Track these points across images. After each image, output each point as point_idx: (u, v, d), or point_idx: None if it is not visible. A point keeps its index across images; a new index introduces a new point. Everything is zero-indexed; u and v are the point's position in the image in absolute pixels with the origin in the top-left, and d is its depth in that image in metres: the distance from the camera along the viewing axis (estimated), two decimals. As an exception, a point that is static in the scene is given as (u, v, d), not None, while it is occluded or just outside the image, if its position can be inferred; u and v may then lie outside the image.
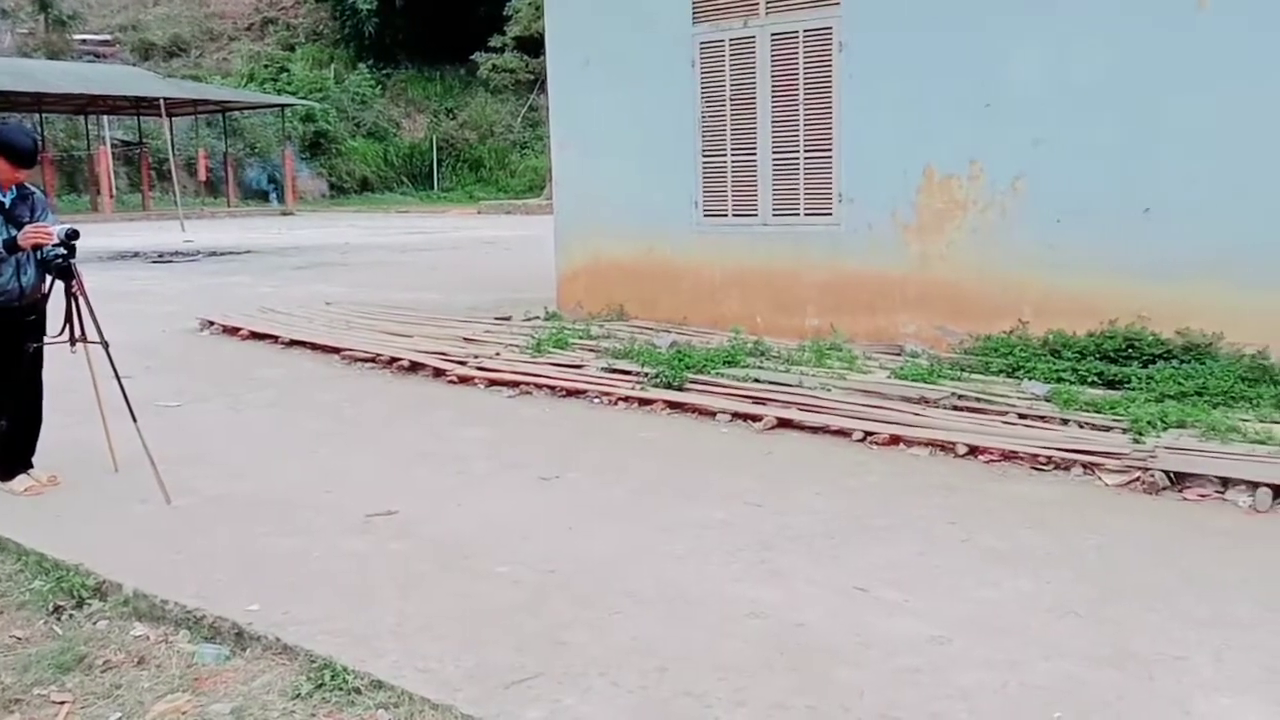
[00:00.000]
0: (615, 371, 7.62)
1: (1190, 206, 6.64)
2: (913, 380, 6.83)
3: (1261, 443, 5.33)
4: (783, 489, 5.25)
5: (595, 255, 9.84)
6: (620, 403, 7.14)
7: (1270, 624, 3.62)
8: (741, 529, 4.68)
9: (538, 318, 10.12)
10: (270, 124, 39.60)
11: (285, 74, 41.46)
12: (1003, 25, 7.28)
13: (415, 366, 8.32)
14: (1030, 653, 3.46)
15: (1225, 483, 4.99)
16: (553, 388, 7.52)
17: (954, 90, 7.50)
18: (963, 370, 7.07)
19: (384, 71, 43.66)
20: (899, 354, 7.71)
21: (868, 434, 6.03)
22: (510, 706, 3.17)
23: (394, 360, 8.46)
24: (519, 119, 42.08)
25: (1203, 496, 4.97)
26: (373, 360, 8.61)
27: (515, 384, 7.66)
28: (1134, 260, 6.84)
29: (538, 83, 35.71)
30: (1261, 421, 5.66)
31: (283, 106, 37.88)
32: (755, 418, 6.48)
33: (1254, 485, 4.89)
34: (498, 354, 8.38)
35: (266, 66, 42.23)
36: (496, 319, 10.14)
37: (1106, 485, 5.18)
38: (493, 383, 7.75)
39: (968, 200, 7.54)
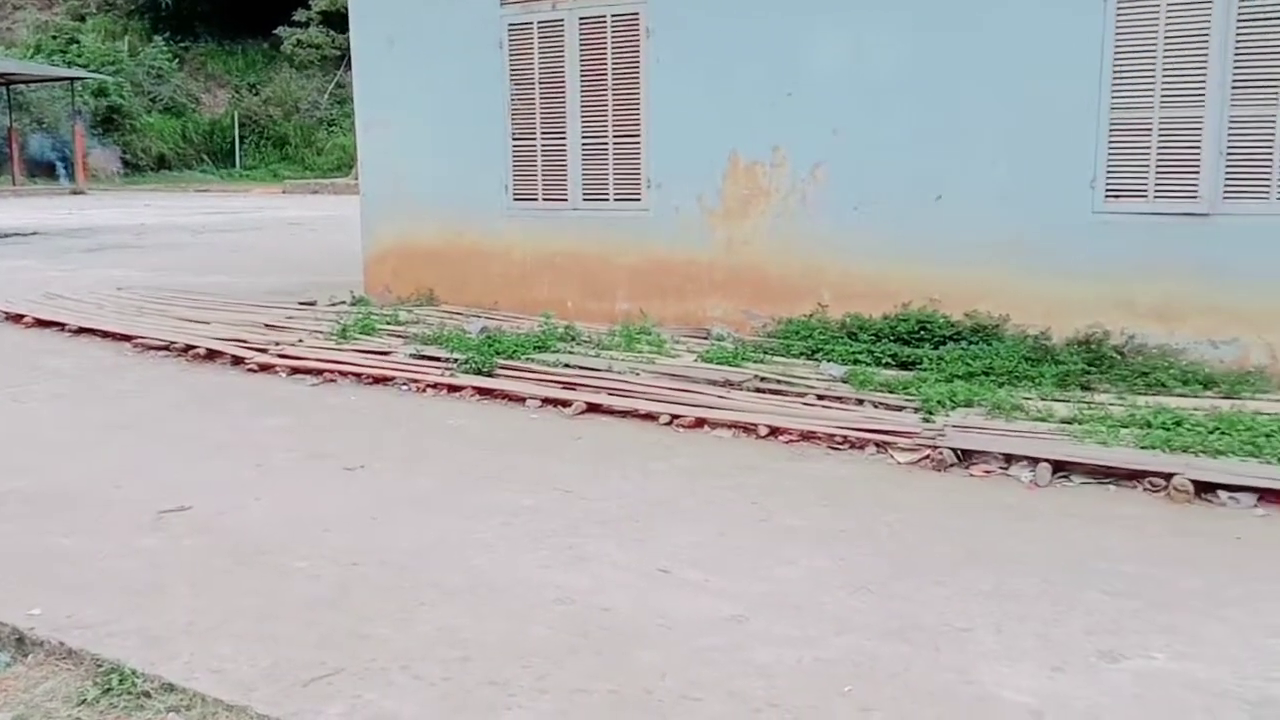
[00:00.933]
0: (424, 358, 7.44)
1: (978, 194, 7.01)
2: (718, 363, 6.95)
3: (1043, 420, 5.67)
4: (591, 474, 5.24)
5: (403, 238, 9.57)
6: (429, 390, 6.97)
7: (1046, 594, 3.84)
8: (550, 515, 4.64)
9: (344, 302, 9.79)
10: (59, 98, 36.78)
11: (75, 45, 38.58)
12: (803, 16, 7.47)
13: (212, 354, 7.90)
14: (825, 628, 3.55)
15: (1009, 459, 5.28)
16: (359, 375, 7.28)
17: (758, 79, 7.65)
18: (766, 353, 7.25)
19: (182, 44, 41.25)
20: (706, 338, 7.83)
21: (674, 417, 6.09)
22: (308, 704, 3.05)
23: (189, 348, 8.02)
24: (326, 95, 40.60)
25: (988, 472, 5.25)
26: (166, 348, 8.14)
27: (319, 371, 7.38)
28: (926, 246, 7.17)
29: (344, 59, 34.53)
30: (1043, 399, 6.03)
31: (73, 80, 35.27)
32: (565, 403, 6.44)
33: (1035, 461, 5.20)
34: (301, 340, 8.06)
35: (55, 37, 39.17)
36: (300, 304, 9.79)
37: (898, 463, 5.40)
38: (295, 370, 7.45)
39: (771, 187, 7.72)
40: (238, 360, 7.71)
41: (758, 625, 3.57)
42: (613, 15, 8.16)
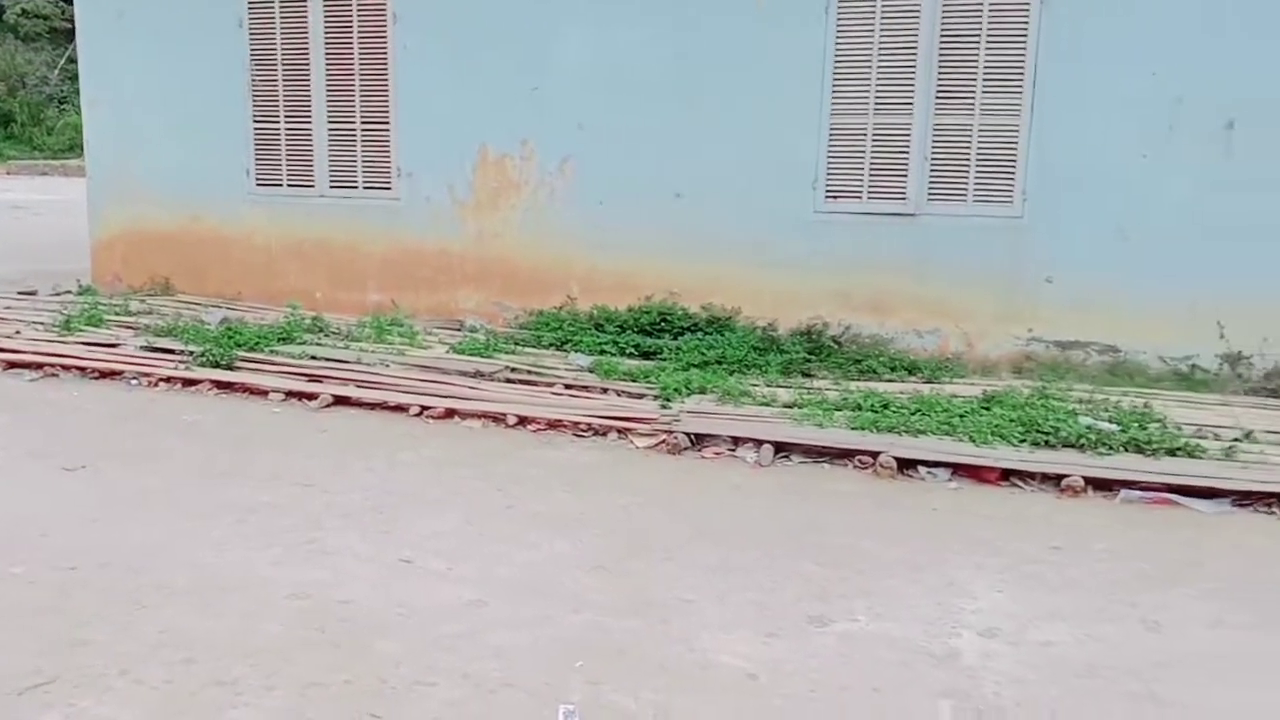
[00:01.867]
0: (157, 350, 7.06)
1: (714, 193, 7.38)
2: (470, 355, 6.99)
3: (767, 405, 6.07)
4: (335, 467, 5.17)
5: (135, 223, 9.00)
6: (162, 384, 6.63)
7: (765, 566, 4.15)
8: (288, 510, 4.56)
9: (69, 292, 9.12)
10: None
11: None
12: (551, 11, 7.60)
13: (-89, 348, 7.17)
14: (561, 608, 3.70)
15: (737, 441, 5.64)
16: (83, 369, 6.85)
17: (507, 71, 7.72)
18: (518, 344, 7.35)
19: (-114, 11, 36.52)
20: (460, 329, 7.85)
21: (424, 409, 6.10)
22: (21, 715, 2.93)
23: (-118, 342, 7.24)
24: (56, 71, 37.11)
25: (718, 454, 5.58)
26: None
27: (38, 366, 6.90)
28: (667, 241, 7.49)
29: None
30: (769, 386, 6.45)
31: None
32: (311, 396, 6.30)
33: (759, 443, 5.58)
34: (18, 332, 7.49)
35: None
36: (20, 293, 9.13)
37: (638, 448, 5.65)
38: (11, 365, 6.93)
39: (521, 180, 7.83)
40: (-56, 354, 7.06)
41: (497, 609, 3.68)
42: (358, 0, 7.99)
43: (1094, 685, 3.32)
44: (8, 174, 29.55)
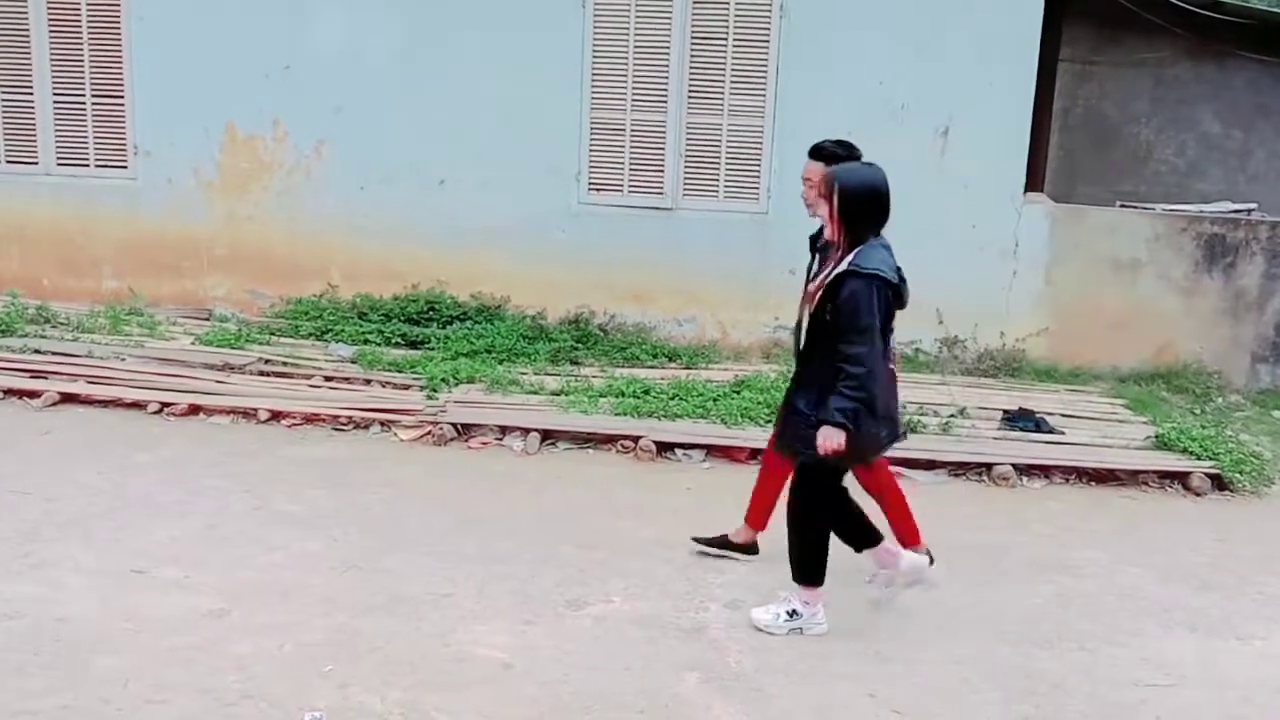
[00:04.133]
0: None
1: (479, 181, 7.29)
2: (219, 346, 6.62)
3: (535, 393, 6.09)
4: (58, 470, 4.78)
5: None
6: None
7: (526, 554, 4.17)
8: (1, 520, 4.17)
9: None
10: None
11: None
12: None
13: None
14: (310, 611, 3.59)
15: (504, 430, 5.64)
16: None
17: (256, 47, 7.31)
18: (273, 334, 7.02)
19: None
20: (208, 319, 7.40)
21: (165, 405, 5.73)
22: None
23: None
24: None
25: (485, 444, 5.56)
26: None
27: None
28: (433, 228, 7.34)
29: None
30: (537, 374, 6.46)
31: None
32: (34, 394, 5.79)
33: (526, 431, 5.60)
34: None
35: None
36: None
37: (402, 440, 5.54)
38: None
39: (273, 161, 7.45)
40: None
41: (239, 617, 3.52)
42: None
43: (828, 649, 3.54)
44: None
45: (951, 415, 5.98)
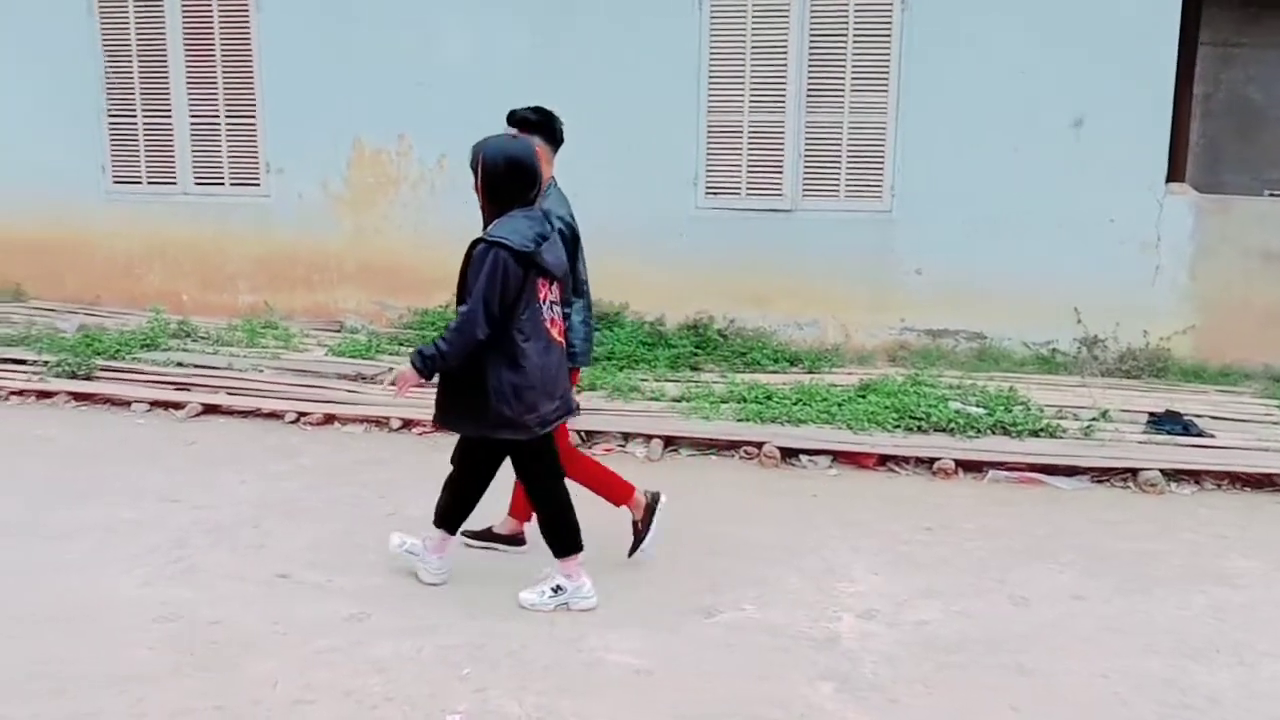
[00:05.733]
0: (7, 361, 6.66)
1: (597, 188, 7.25)
2: (350, 356, 6.81)
3: (656, 399, 6.09)
4: (205, 480, 4.96)
5: (-19, 225, 8.47)
6: (13, 397, 6.26)
7: (654, 562, 4.14)
8: (154, 527, 4.35)
9: (-92, 300, 8.54)
10: None
11: None
12: (427, 4, 7.44)
13: None
14: (446, 615, 3.63)
15: (627, 437, 5.65)
16: (-75, 384, 6.40)
17: (382, 64, 7.52)
18: (402, 344, 7.19)
19: None
20: (339, 330, 7.63)
21: (301, 415, 5.91)
22: None
23: None
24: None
25: (608, 450, 5.57)
26: None
27: (-127, 381, 6.41)
28: (550, 237, 7.40)
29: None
30: (658, 380, 6.46)
31: None
32: (178, 405, 6.04)
33: (649, 437, 5.59)
34: None
35: None
36: None
37: (525, 447, 5.58)
38: None
39: (399, 175, 7.64)
40: None
41: (378, 621, 3.58)
42: (219, -14, 7.67)
43: (964, 659, 3.43)
44: None
45: (1093, 419, 5.74)
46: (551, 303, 3.67)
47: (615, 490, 4.15)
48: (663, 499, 4.15)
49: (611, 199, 7.29)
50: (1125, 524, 4.69)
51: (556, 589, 3.75)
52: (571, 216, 4.03)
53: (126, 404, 6.09)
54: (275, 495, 4.79)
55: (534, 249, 3.54)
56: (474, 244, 3.56)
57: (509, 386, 3.54)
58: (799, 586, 3.97)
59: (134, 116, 7.96)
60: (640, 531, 4.13)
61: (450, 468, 3.88)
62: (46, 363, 6.51)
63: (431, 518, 3.90)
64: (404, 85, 7.53)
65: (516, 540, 4.28)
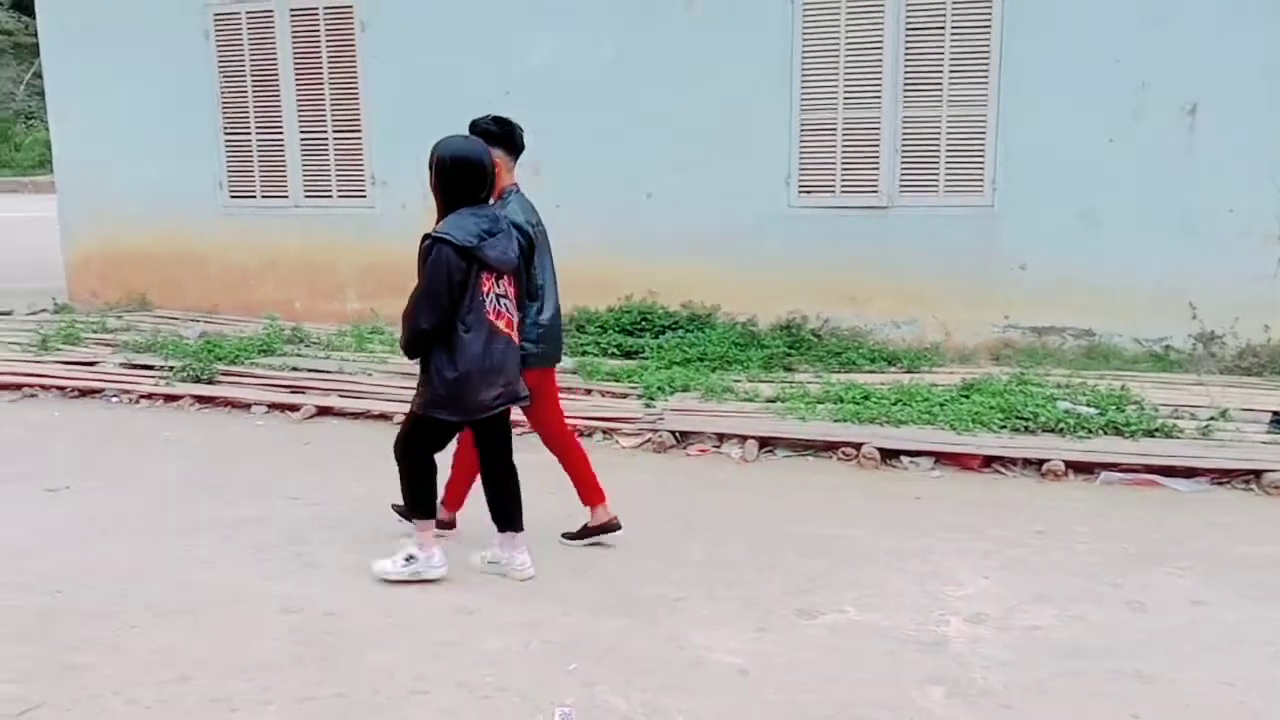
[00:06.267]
0: (136, 367, 7.03)
1: (686, 192, 7.41)
2: (452, 360, 6.98)
3: (750, 400, 6.10)
4: (321, 478, 5.17)
5: (109, 240, 8.94)
6: (142, 400, 6.61)
7: (751, 561, 4.18)
8: (275, 524, 4.55)
9: (44, 310, 9.06)
10: None
11: None
12: (514, 17, 7.60)
13: (-121, 373, 7.10)
14: (550, 610, 3.72)
15: (721, 438, 5.68)
16: (63, 388, 6.80)
17: (478, 76, 7.71)
18: (498, 347, 7.34)
19: None
20: (441, 334, 7.83)
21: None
22: (6, 745, 2.90)
23: None
24: (22, 86, 36.63)
25: (703, 451, 5.61)
26: None
27: (16, 386, 6.84)
28: (643, 241, 7.50)
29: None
30: (751, 381, 6.48)
31: None
32: (294, 407, 6.29)
33: (744, 438, 5.61)
34: (-11, 353, 7.42)
35: None
36: (-9, 313, 8.99)
37: (623, 448, 5.68)
38: (-16, 386, 6.85)
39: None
40: (-86, 378, 7.00)
41: (487, 615, 3.69)
42: (325, 8, 7.96)
43: (1080, 665, 3.36)
44: (-24, 192, 29.20)
45: (1211, 418, 5.56)
46: (498, 296, 3.85)
47: (590, 491, 4.37)
48: (619, 532, 4.37)
49: (701, 201, 7.36)
50: (1248, 528, 4.54)
51: (409, 558, 3.97)
52: (532, 223, 4.18)
53: (246, 406, 6.37)
54: (386, 493, 4.94)
55: (476, 244, 3.72)
56: (423, 239, 3.76)
57: (448, 372, 3.78)
58: (903, 589, 3.95)
59: (248, 134, 8.31)
60: (583, 532, 4.37)
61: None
62: (172, 368, 6.85)
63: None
64: (494, 95, 7.69)
65: (448, 525, 4.49)
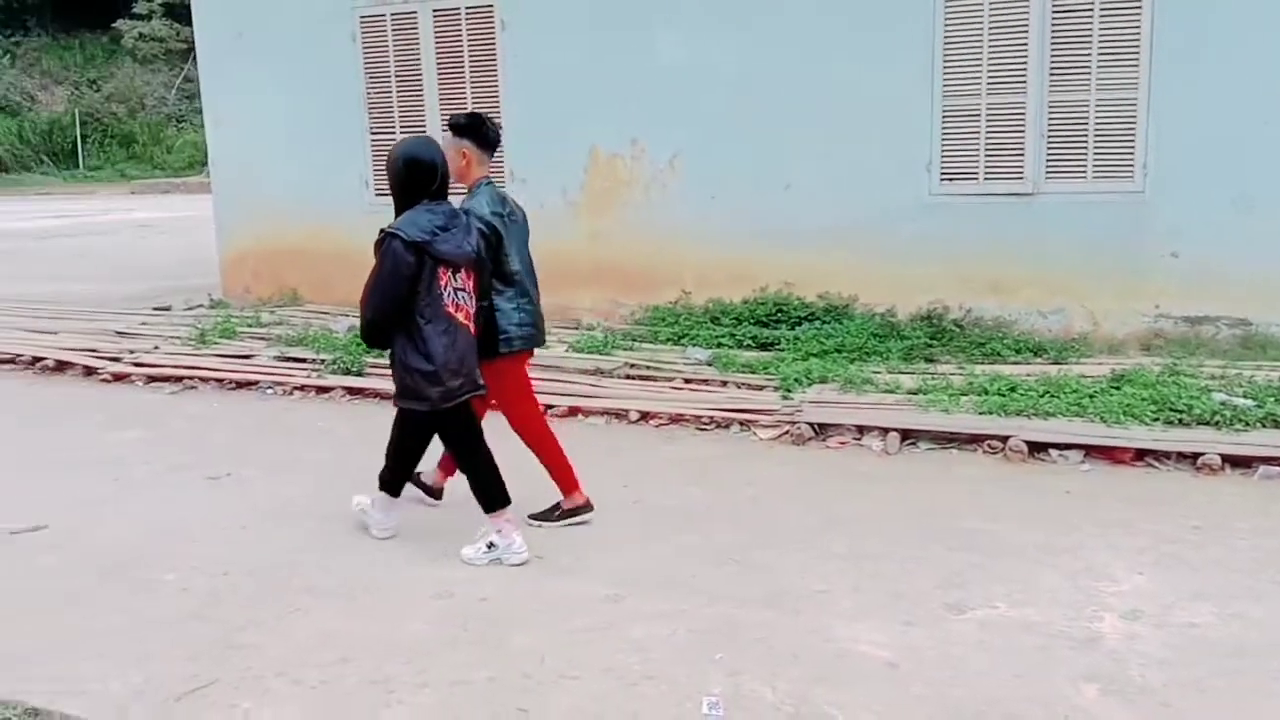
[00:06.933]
0: (289, 359, 7.35)
1: (824, 182, 7.33)
2: (589, 352, 7.09)
3: (891, 392, 6.01)
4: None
5: (262, 237, 9.38)
6: (296, 392, 6.90)
7: (896, 555, 4.12)
8: (425, 512, 4.71)
9: (201, 306, 9.56)
10: (-121, 101, 33.81)
11: (-107, 44, 35.59)
12: (652, 11, 7.64)
13: (62, 365, 7.64)
14: (694, 601, 3.74)
15: (861, 430, 5.61)
16: (220, 380, 7.16)
17: (615, 72, 7.80)
18: (635, 340, 7.42)
19: (12, 40, 38.62)
20: (577, 328, 7.96)
21: (548, 407, 6.18)
22: (184, 718, 3.04)
23: (37, 360, 7.73)
24: (173, 91, 38.70)
25: (843, 444, 5.55)
26: (12, 361, 7.82)
27: (177, 379, 7.23)
28: (780, 232, 7.46)
29: (191, 53, 33.03)
30: (891, 372, 6.37)
31: (-107, 81, 32.43)
32: (438, 398, 6.47)
33: (885, 431, 5.53)
34: (156, 347, 7.86)
35: None
36: (154, 309, 9.50)
37: (761, 440, 5.66)
38: (152, 379, 7.27)
39: (632, 178, 7.89)
40: (90, 371, 7.48)
41: (631, 603, 3.74)
42: (466, 8, 8.16)
43: (1241, 664, 3.22)
44: (132, 193, 30.90)
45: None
46: (455, 289, 3.99)
47: (566, 481, 4.51)
48: (588, 516, 4.50)
49: (838, 190, 7.26)
50: None
51: (490, 545, 4.08)
52: (500, 214, 4.32)
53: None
54: (527, 481, 5.04)
55: (428, 239, 3.88)
56: (379, 234, 3.96)
57: (411, 363, 3.97)
58: (1055, 585, 3.84)
59: (392, 134, 8.59)
60: (552, 513, 4.50)
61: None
62: (323, 361, 7.15)
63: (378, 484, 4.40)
64: (635, 92, 7.77)
65: (436, 493, 4.76)
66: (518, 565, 4.06)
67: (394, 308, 3.93)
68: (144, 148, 37.98)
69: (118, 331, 8.42)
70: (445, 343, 3.97)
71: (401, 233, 3.88)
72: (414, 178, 3.99)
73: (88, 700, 3.13)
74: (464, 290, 4.04)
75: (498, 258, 4.27)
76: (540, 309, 4.55)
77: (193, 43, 9.89)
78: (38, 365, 7.68)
